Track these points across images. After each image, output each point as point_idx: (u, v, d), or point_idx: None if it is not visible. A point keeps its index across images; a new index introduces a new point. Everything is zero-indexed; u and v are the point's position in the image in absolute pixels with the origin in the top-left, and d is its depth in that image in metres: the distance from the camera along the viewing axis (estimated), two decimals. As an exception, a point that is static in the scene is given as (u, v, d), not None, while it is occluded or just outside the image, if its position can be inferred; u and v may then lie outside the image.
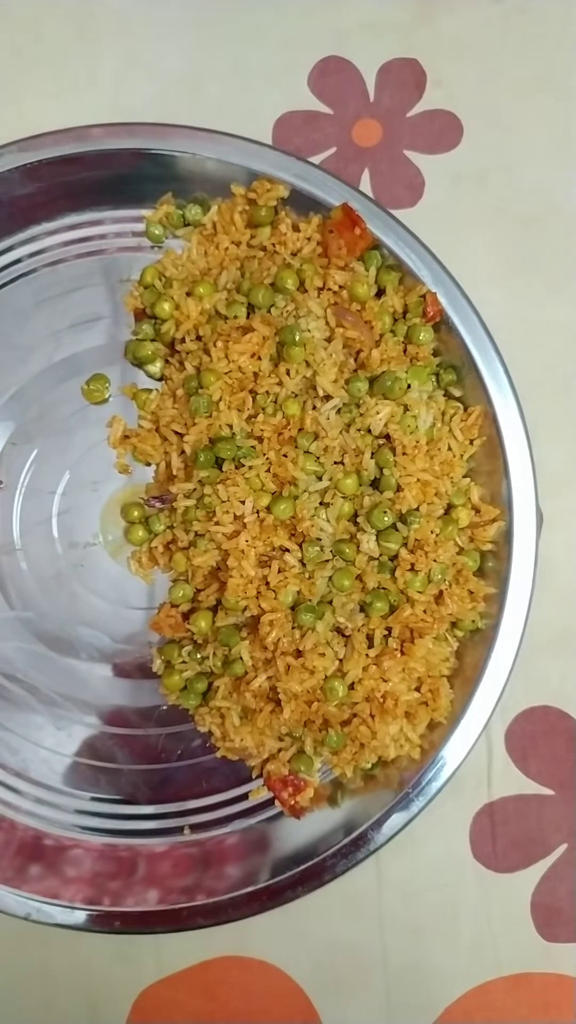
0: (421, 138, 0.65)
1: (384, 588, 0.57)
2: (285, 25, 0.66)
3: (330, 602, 0.56)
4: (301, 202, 0.60)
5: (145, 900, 0.57)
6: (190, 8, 0.66)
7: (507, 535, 0.58)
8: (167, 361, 0.61)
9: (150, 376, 0.62)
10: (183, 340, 0.60)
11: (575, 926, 0.60)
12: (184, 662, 0.59)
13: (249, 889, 0.57)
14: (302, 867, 0.57)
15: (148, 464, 0.61)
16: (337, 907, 0.60)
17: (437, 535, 0.57)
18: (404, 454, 0.56)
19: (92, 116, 0.62)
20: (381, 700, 0.56)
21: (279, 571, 0.55)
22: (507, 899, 0.60)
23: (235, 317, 0.58)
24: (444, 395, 0.60)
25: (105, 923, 0.57)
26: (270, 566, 0.55)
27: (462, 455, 0.59)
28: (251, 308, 0.59)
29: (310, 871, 0.57)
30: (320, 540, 0.56)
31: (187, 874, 0.58)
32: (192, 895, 0.57)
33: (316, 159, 0.65)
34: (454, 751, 0.57)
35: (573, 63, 0.67)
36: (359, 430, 0.57)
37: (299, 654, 0.55)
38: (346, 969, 0.60)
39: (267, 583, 0.56)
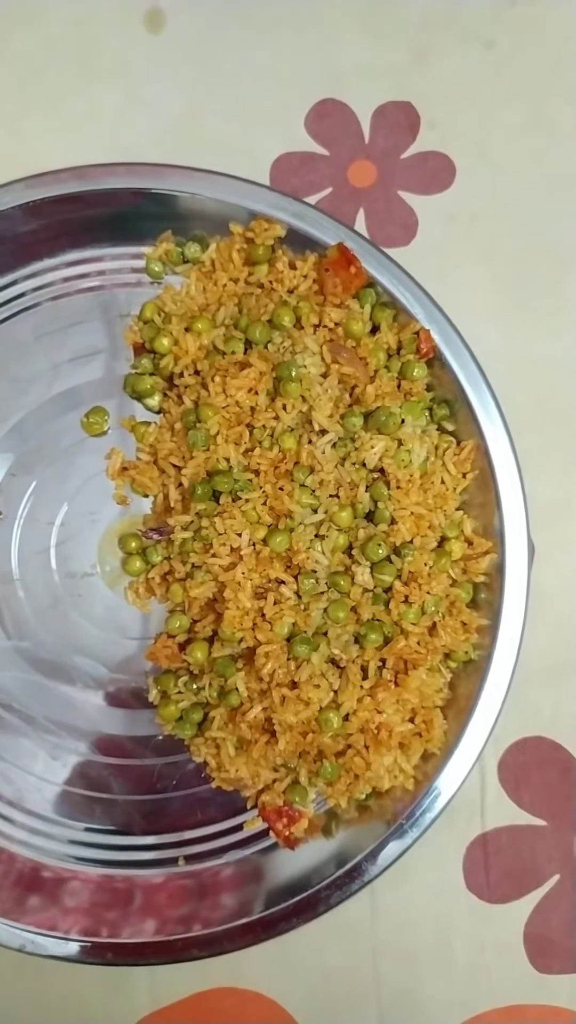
0: (415, 179, 0.67)
1: (378, 620, 0.57)
2: (282, 68, 0.68)
3: (325, 634, 0.57)
4: (298, 241, 0.61)
5: (141, 931, 0.57)
6: (189, 50, 0.68)
7: (499, 567, 0.59)
8: (165, 395, 0.62)
9: (149, 409, 0.63)
10: (181, 374, 0.61)
11: (568, 957, 0.60)
12: (180, 692, 0.59)
13: (243, 920, 0.57)
14: (296, 898, 0.57)
15: (146, 496, 0.62)
16: (331, 938, 0.60)
17: (431, 567, 0.58)
18: (398, 487, 0.57)
19: (93, 155, 0.63)
20: (375, 731, 0.56)
21: (275, 603, 0.56)
22: (500, 930, 0.61)
23: (233, 353, 0.59)
24: (437, 429, 0.61)
25: (99, 955, 0.57)
26: (266, 598, 0.56)
27: (455, 488, 0.60)
28: (248, 344, 0.60)
29: (304, 902, 0.57)
30: (315, 572, 0.57)
31: (182, 905, 0.58)
32: (187, 926, 0.57)
33: (312, 199, 0.66)
34: (448, 782, 0.57)
35: (562, 106, 0.69)
36: (354, 464, 0.58)
37: (294, 685, 0.56)
38: (340, 1000, 0.60)
39: (263, 615, 0.56)
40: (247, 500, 0.57)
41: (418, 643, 0.57)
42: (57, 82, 0.68)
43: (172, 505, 0.60)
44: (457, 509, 0.60)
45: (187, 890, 0.59)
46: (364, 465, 0.58)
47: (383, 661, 0.58)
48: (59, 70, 0.68)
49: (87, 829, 0.60)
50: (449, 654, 0.59)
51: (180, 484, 0.59)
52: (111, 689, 0.61)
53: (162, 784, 0.61)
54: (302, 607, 0.56)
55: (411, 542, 0.57)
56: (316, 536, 0.57)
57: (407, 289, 0.60)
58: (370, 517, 0.58)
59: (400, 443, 0.58)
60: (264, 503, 0.57)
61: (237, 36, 0.68)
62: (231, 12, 0.68)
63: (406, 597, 0.57)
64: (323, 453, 0.57)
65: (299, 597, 0.56)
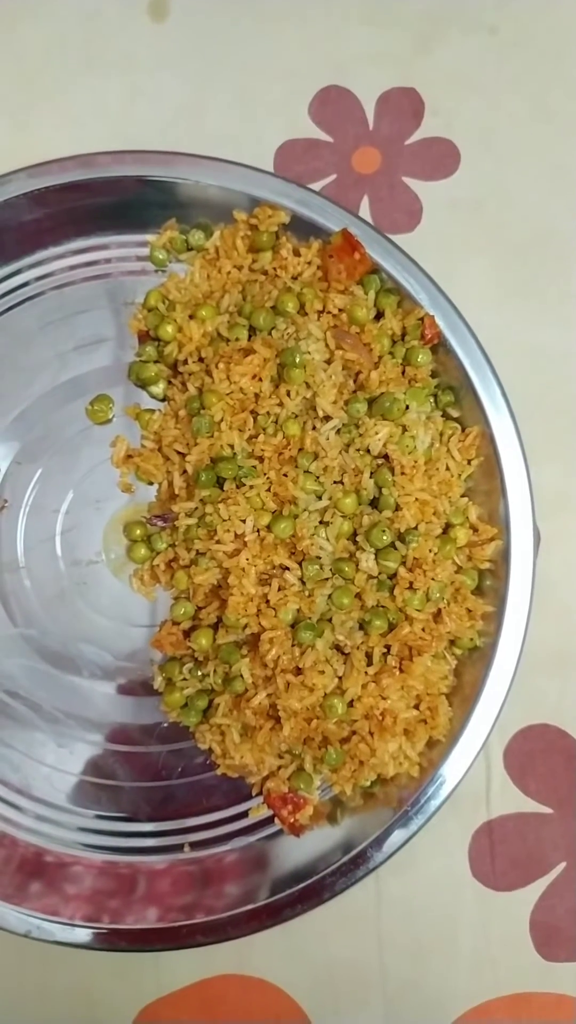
0: (419, 165, 0.67)
1: (383, 606, 0.57)
2: (286, 55, 0.68)
3: (329, 620, 0.57)
4: (302, 227, 0.61)
5: (145, 918, 0.57)
6: (194, 38, 0.68)
7: (505, 554, 0.58)
8: (170, 382, 0.62)
9: (153, 397, 0.63)
10: (186, 362, 0.61)
11: (574, 945, 0.60)
12: (185, 679, 0.59)
13: (248, 907, 0.57)
14: (301, 885, 0.57)
15: (151, 483, 0.62)
16: (336, 925, 0.60)
17: (435, 554, 0.57)
18: (403, 474, 0.57)
19: (98, 144, 0.63)
20: (380, 718, 0.56)
21: (279, 589, 0.56)
22: (506, 918, 0.60)
23: (237, 339, 0.59)
24: (442, 416, 0.61)
25: (105, 941, 0.57)
26: (270, 584, 0.56)
27: (460, 475, 0.59)
28: (252, 331, 0.60)
29: (309, 889, 0.57)
30: (320, 558, 0.57)
31: (187, 892, 0.58)
32: (192, 913, 0.57)
33: (317, 186, 0.66)
34: (453, 769, 0.57)
35: (565, 93, 0.68)
36: (358, 450, 0.58)
37: (299, 672, 0.56)
38: (345, 988, 0.60)
39: (267, 601, 0.56)
40: (251, 487, 0.57)
41: (423, 630, 0.57)
42: (61, 72, 0.68)
43: (176, 492, 0.60)
44: (462, 496, 0.60)
45: (191, 877, 0.59)
46: (368, 451, 0.58)
47: (388, 647, 0.58)
48: (63, 60, 0.68)
49: (94, 816, 0.60)
50: (454, 641, 0.59)
51: (184, 471, 0.59)
52: (117, 677, 0.62)
53: (168, 772, 0.61)
54: (306, 593, 0.56)
55: (416, 528, 0.57)
56: (320, 522, 0.57)
57: (411, 275, 0.60)
58: (374, 503, 0.58)
59: (404, 429, 0.58)
60: (268, 489, 0.57)
61: (241, 24, 0.68)
62: (235, 0, 0.68)
63: (411, 584, 0.57)
64: (327, 439, 0.57)
65: (303, 583, 0.56)
